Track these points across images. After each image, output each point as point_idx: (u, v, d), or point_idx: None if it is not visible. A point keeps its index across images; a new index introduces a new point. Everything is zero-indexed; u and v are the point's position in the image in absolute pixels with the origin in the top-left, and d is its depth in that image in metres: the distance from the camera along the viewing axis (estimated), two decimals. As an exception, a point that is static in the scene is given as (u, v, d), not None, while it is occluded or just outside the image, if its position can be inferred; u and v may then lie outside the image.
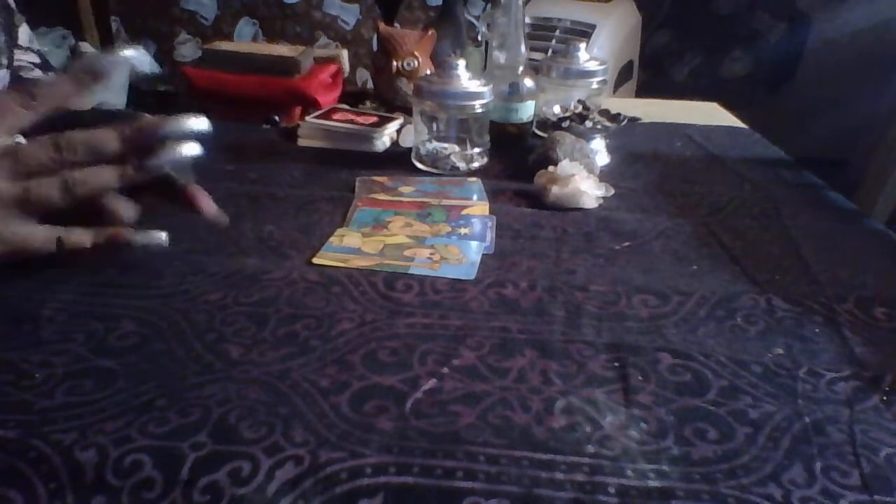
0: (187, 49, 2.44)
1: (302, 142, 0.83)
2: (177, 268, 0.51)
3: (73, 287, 0.48)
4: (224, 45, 0.99)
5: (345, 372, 0.40)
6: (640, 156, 0.82)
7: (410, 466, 0.33)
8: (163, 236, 0.47)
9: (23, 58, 0.65)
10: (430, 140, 0.77)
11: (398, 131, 0.85)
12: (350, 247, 0.56)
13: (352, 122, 0.83)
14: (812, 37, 2.16)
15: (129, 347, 0.41)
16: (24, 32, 0.68)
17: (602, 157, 0.78)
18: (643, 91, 1.87)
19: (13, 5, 0.68)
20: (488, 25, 0.87)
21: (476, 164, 0.76)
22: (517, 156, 0.77)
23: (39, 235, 0.43)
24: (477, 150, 0.76)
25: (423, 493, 0.32)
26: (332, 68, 0.96)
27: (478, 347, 0.43)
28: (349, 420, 0.36)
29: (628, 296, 0.49)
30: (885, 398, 0.39)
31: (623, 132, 0.80)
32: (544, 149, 0.72)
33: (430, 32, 0.91)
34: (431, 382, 0.39)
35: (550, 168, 0.68)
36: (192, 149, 0.45)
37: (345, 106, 0.91)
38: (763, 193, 0.71)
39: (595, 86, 0.84)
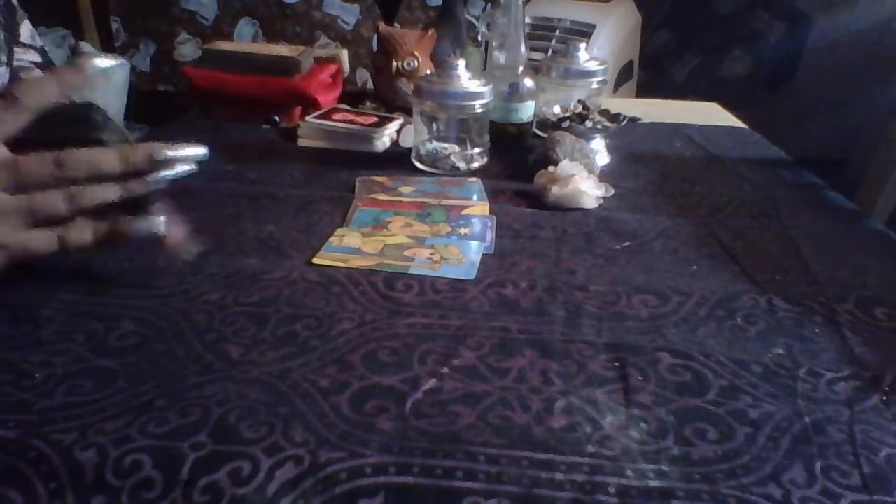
0: (187, 49, 2.44)
1: (302, 142, 0.83)
2: (177, 268, 0.51)
3: (73, 287, 0.48)
4: (224, 45, 0.99)
5: (345, 372, 0.40)
6: (640, 156, 0.82)
7: (410, 466, 0.33)
8: (161, 221, 0.47)
9: (24, 56, 0.65)
10: (430, 140, 0.77)
11: (398, 131, 0.85)
12: (350, 247, 0.56)
13: (352, 122, 0.83)
14: (812, 37, 2.16)
15: (129, 347, 0.41)
16: (25, 28, 0.68)
17: (602, 157, 0.78)
18: (643, 91, 1.87)
19: (15, 2, 0.68)
20: (488, 25, 0.87)
21: (476, 164, 0.76)
22: (517, 156, 0.77)
23: (40, 238, 0.43)
24: (477, 150, 0.76)
25: (423, 493, 0.32)
26: (332, 68, 0.96)
27: (478, 347, 0.43)
28: (349, 420, 0.36)
29: (628, 296, 0.49)
30: (885, 398, 0.39)
31: (623, 132, 0.80)
32: (544, 149, 0.72)
33: (430, 32, 0.91)
34: (431, 382, 0.39)
35: (550, 168, 0.68)
36: (188, 167, 0.45)
37: (345, 106, 0.91)
38: (763, 193, 0.71)
39: (595, 86, 0.84)
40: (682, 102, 1.12)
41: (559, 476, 0.33)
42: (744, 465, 0.34)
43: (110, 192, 0.44)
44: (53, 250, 0.43)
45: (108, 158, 0.43)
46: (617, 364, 0.42)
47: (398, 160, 0.78)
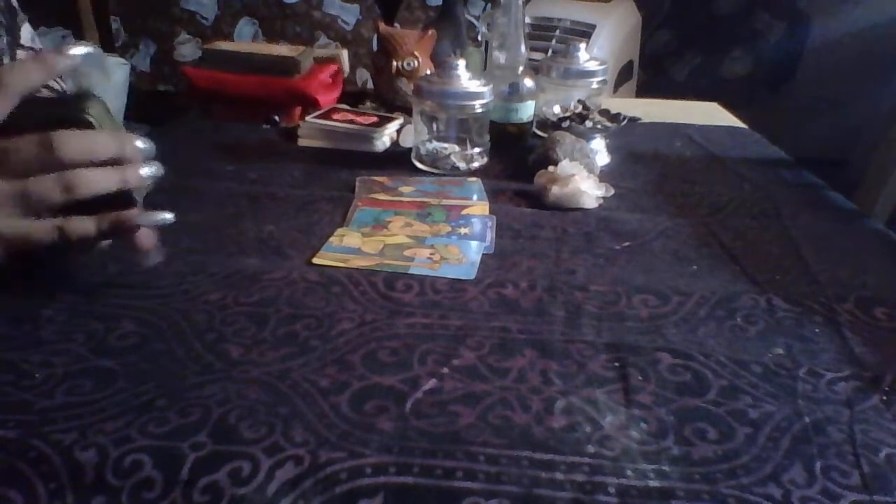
0: (187, 49, 2.44)
1: (302, 142, 0.83)
2: (177, 268, 0.51)
3: (73, 287, 0.48)
4: (224, 45, 0.99)
5: (345, 372, 0.40)
6: (640, 156, 0.82)
7: (410, 466, 0.33)
8: (168, 216, 0.45)
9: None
10: (430, 140, 0.77)
11: (398, 131, 0.85)
12: (350, 247, 0.56)
13: (352, 122, 0.83)
14: (812, 37, 2.16)
15: (129, 347, 0.41)
16: (26, 31, 0.68)
17: (602, 157, 0.78)
18: (643, 91, 1.87)
19: (16, 5, 0.68)
20: (488, 25, 0.87)
21: (476, 164, 0.76)
22: (517, 156, 0.77)
23: (40, 228, 0.41)
24: (477, 150, 0.76)
25: (423, 493, 0.32)
26: (332, 68, 0.96)
27: (478, 347, 0.43)
28: (349, 420, 0.36)
29: (628, 296, 0.49)
30: (885, 398, 0.39)
31: (623, 132, 0.80)
32: (544, 149, 0.72)
33: (430, 32, 0.91)
34: (431, 382, 0.39)
35: (550, 168, 0.68)
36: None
37: (345, 106, 0.91)
38: (763, 193, 0.71)
39: (595, 86, 0.84)
40: (682, 102, 1.12)
41: (559, 476, 0.33)
42: (744, 465, 0.34)
43: (108, 181, 0.41)
44: (54, 241, 0.41)
45: (102, 141, 0.41)
46: (617, 364, 0.42)
47: (398, 160, 0.78)
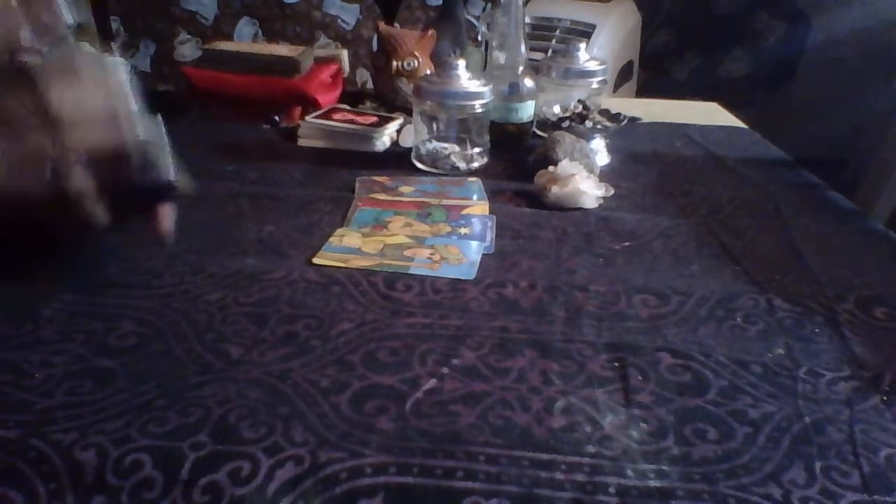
0: (187, 49, 2.44)
1: (302, 142, 0.83)
2: (177, 268, 0.51)
3: (73, 287, 0.48)
4: (224, 45, 0.99)
5: (345, 372, 0.40)
6: (640, 156, 0.82)
7: (410, 466, 0.33)
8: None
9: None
10: (430, 140, 0.77)
11: (398, 131, 0.85)
12: (350, 247, 0.56)
13: (352, 122, 0.83)
14: (812, 37, 2.16)
15: (129, 347, 0.41)
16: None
17: (602, 157, 0.78)
18: (643, 91, 1.87)
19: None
20: (488, 25, 0.87)
21: (476, 164, 0.76)
22: (517, 156, 0.77)
23: (29, 178, 0.39)
24: (477, 150, 0.76)
25: (423, 493, 0.32)
26: (332, 68, 0.96)
27: (478, 347, 0.43)
28: (349, 420, 0.36)
29: (628, 296, 0.49)
30: (885, 398, 0.39)
31: (623, 132, 0.80)
32: (544, 149, 0.72)
33: (430, 32, 0.91)
34: (431, 382, 0.39)
35: (550, 168, 0.68)
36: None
37: (345, 106, 0.91)
38: (763, 193, 0.71)
39: (595, 86, 0.84)
40: (682, 102, 1.11)
41: (559, 476, 0.33)
42: (744, 465, 0.34)
43: (103, 136, 0.40)
44: (46, 194, 0.40)
45: (89, 96, 0.40)
46: (617, 364, 0.42)
47: (398, 160, 0.78)
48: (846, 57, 2.11)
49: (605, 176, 0.72)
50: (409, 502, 0.31)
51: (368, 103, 0.96)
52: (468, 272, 0.52)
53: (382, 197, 0.67)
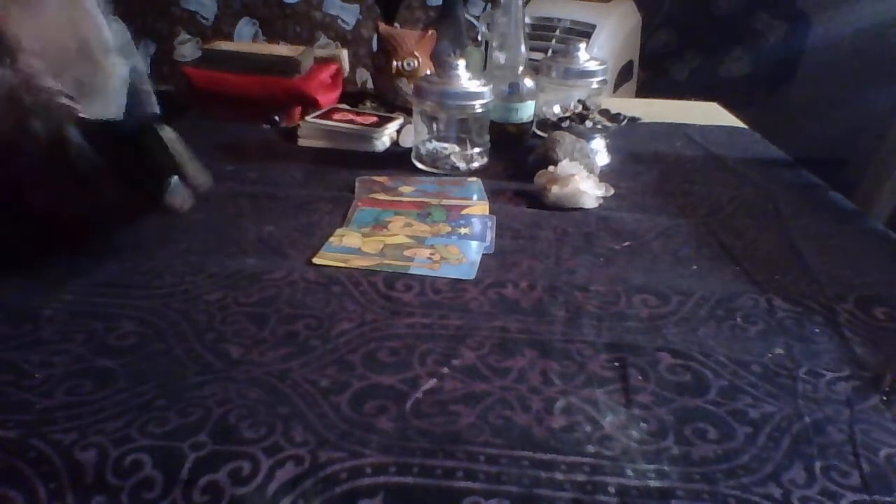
0: (187, 49, 2.44)
1: (302, 142, 0.83)
2: (177, 268, 0.51)
3: (73, 287, 0.48)
4: (224, 45, 0.99)
5: (345, 372, 0.40)
6: (640, 156, 0.82)
7: (410, 466, 0.33)
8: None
9: (33, 62, 0.64)
10: (430, 140, 0.77)
11: (398, 131, 0.85)
12: (350, 247, 0.56)
13: (352, 122, 0.83)
14: (812, 37, 2.16)
15: (129, 347, 0.41)
16: None
17: (602, 157, 0.78)
18: (643, 91, 1.87)
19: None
20: (488, 25, 0.87)
21: (476, 164, 0.76)
22: (517, 156, 0.77)
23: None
24: (477, 150, 0.76)
25: (423, 493, 0.32)
26: (332, 68, 0.96)
27: (478, 347, 0.43)
28: (349, 420, 0.36)
29: (628, 296, 0.49)
30: (885, 398, 0.39)
31: (623, 132, 0.80)
32: (544, 149, 0.72)
33: (430, 32, 0.91)
34: (431, 382, 0.39)
35: (550, 168, 0.68)
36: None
37: (345, 106, 0.91)
38: (763, 193, 0.71)
39: (595, 86, 0.84)
40: (682, 102, 1.11)
41: (559, 476, 0.33)
42: (744, 465, 0.34)
43: (75, 69, 0.38)
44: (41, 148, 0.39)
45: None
46: (617, 364, 0.42)
47: (398, 160, 0.78)
48: (846, 57, 2.11)
49: (605, 176, 0.72)
50: (409, 502, 0.31)
51: (368, 103, 0.96)
52: (468, 272, 0.52)
53: (382, 197, 0.67)
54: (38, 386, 0.38)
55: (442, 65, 0.74)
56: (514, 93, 0.81)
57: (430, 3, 2.24)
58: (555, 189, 0.65)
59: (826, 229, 0.63)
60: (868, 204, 1.62)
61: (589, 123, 0.77)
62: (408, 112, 0.84)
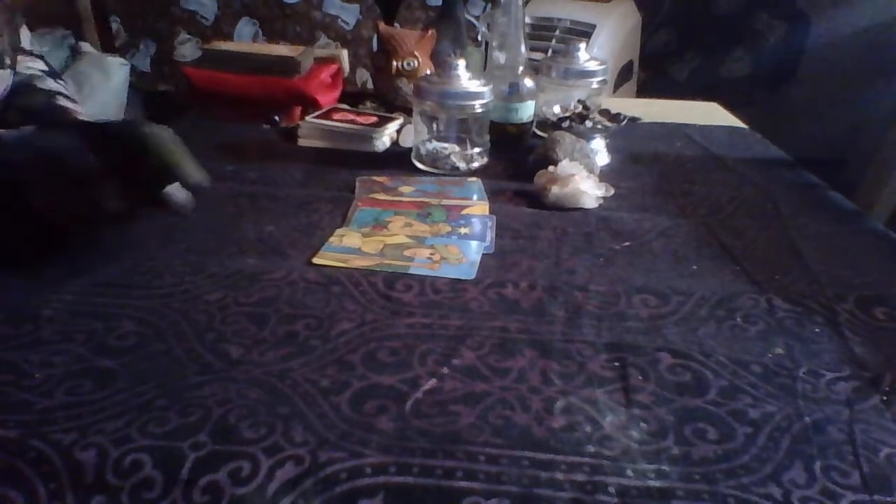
0: (187, 49, 2.44)
1: (302, 142, 0.83)
2: (177, 268, 0.51)
3: (73, 287, 0.48)
4: (224, 45, 0.99)
5: (345, 372, 0.40)
6: (640, 156, 0.82)
7: (410, 466, 0.33)
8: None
9: (32, 65, 0.64)
10: (430, 140, 0.77)
11: (398, 131, 0.85)
12: (350, 247, 0.56)
13: (352, 122, 0.83)
14: (812, 37, 2.16)
15: (129, 347, 0.41)
16: (25, 34, 0.68)
17: (602, 157, 0.78)
18: (643, 91, 1.87)
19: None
20: (488, 25, 0.87)
21: (476, 164, 0.76)
22: (517, 156, 0.77)
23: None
24: (477, 150, 0.76)
25: (423, 493, 0.32)
26: (332, 68, 0.96)
27: (478, 347, 0.43)
28: (349, 420, 0.36)
29: (628, 296, 0.49)
30: (885, 398, 0.39)
31: (623, 132, 0.80)
32: (544, 149, 0.72)
33: (430, 32, 0.91)
34: (431, 382, 0.39)
35: (550, 168, 0.68)
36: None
37: (345, 106, 0.91)
38: (763, 193, 0.71)
39: (595, 86, 0.84)
40: (682, 102, 1.11)
41: (559, 476, 0.33)
42: (744, 465, 0.34)
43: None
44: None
45: None
46: (617, 364, 0.42)
47: (398, 160, 0.78)
48: (846, 57, 2.11)
49: (605, 176, 0.72)
50: (409, 502, 0.31)
51: (368, 103, 0.96)
52: (468, 272, 0.52)
53: (382, 197, 0.67)
54: (38, 386, 0.38)
55: (442, 65, 0.73)
56: (514, 93, 0.81)
57: (430, 3, 2.24)
58: (555, 189, 0.65)
59: (826, 229, 0.63)
60: (868, 204, 1.62)
61: (589, 123, 0.77)
62: (408, 112, 0.84)
